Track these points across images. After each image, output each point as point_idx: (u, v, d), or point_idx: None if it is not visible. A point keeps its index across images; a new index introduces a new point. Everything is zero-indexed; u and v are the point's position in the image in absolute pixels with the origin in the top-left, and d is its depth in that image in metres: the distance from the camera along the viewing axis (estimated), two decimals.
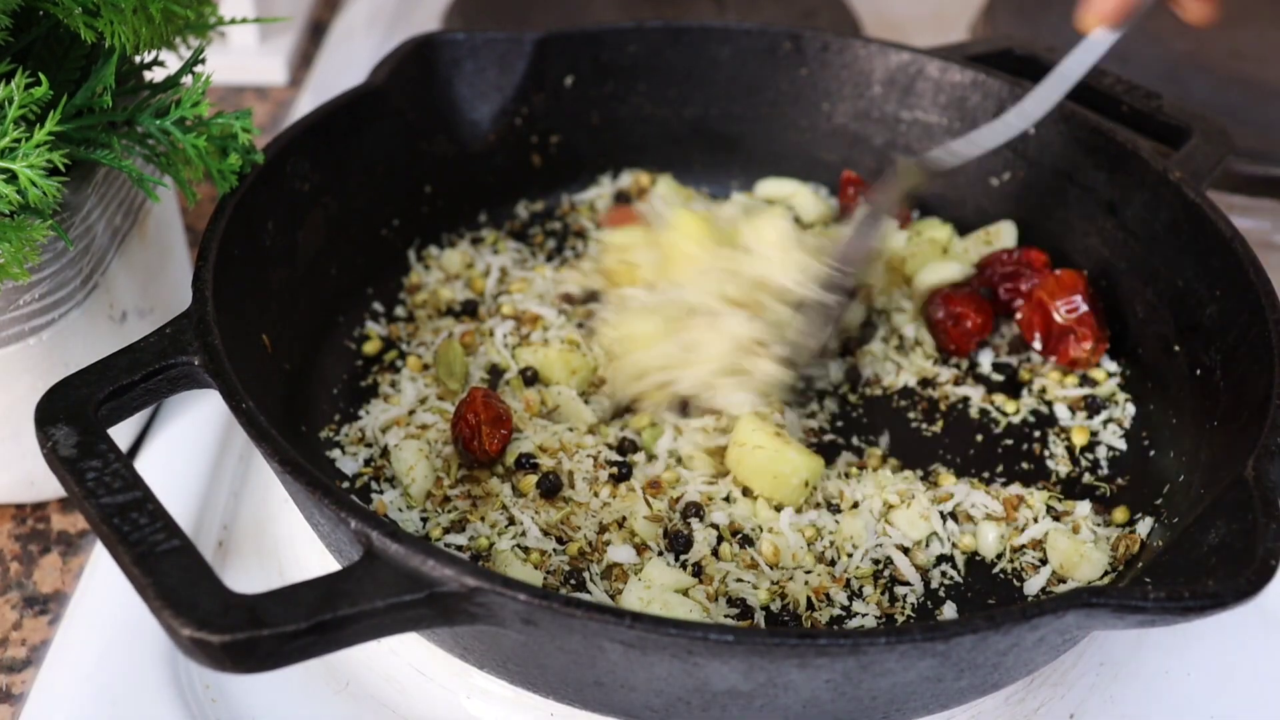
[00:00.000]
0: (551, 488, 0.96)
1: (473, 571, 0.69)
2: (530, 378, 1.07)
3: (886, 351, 1.12)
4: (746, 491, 0.98)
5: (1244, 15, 1.53)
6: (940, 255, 1.18)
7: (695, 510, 0.95)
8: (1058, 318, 1.09)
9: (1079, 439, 1.04)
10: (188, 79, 0.94)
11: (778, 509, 0.96)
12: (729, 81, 1.25)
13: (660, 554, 0.93)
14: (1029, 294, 1.12)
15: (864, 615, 0.90)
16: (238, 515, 1.01)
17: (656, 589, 0.88)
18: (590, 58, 1.22)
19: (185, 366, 0.83)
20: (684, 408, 1.02)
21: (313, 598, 0.68)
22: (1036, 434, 1.06)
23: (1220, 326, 0.97)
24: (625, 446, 1.01)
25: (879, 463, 1.02)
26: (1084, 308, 1.08)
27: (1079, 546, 0.93)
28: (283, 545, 0.98)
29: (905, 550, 0.95)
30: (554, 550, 0.92)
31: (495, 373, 1.08)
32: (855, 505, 0.97)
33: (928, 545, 0.96)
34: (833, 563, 0.94)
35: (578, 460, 0.99)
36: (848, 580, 0.93)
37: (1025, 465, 1.03)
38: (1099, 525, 0.97)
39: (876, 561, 0.94)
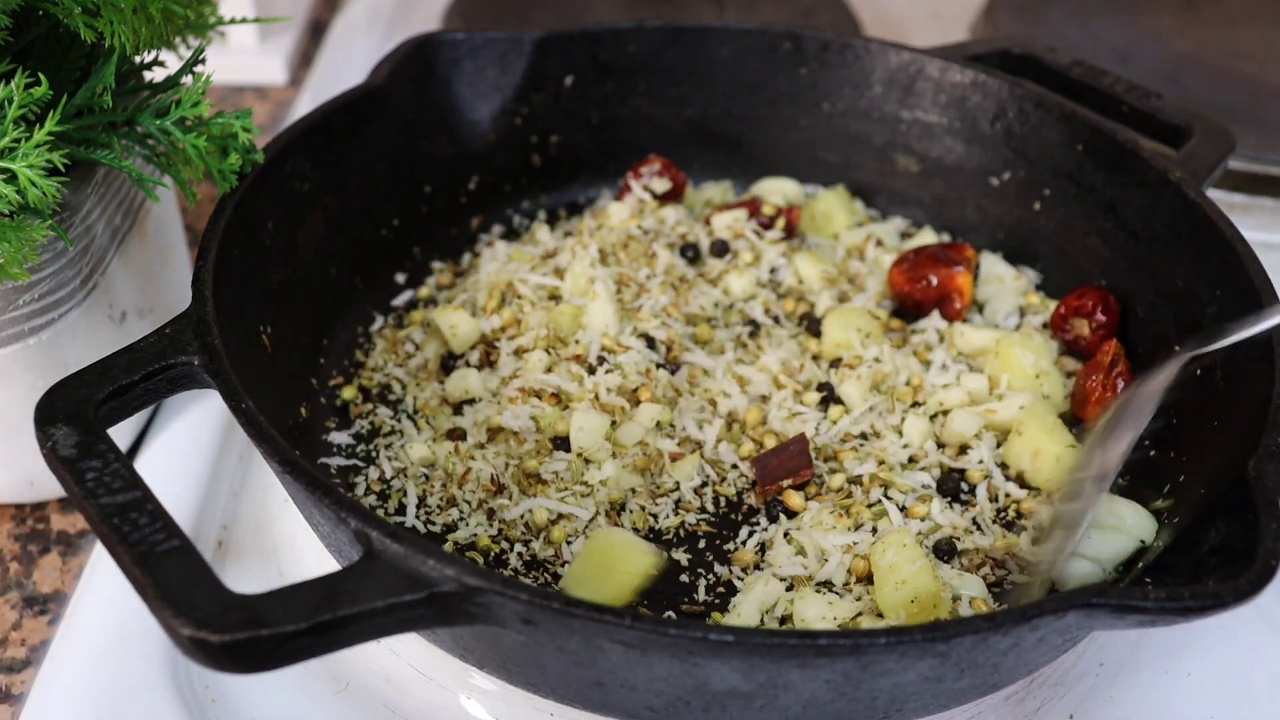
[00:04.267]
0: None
1: (473, 571, 0.69)
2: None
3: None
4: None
5: (1244, 15, 1.53)
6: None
7: None
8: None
9: None
10: (188, 79, 0.94)
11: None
12: (729, 81, 1.25)
13: None
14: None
15: None
16: (238, 515, 1.01)
17: None
18: (590, 58, 1.22)
19: (185, 366, 0.83)
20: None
21: (313, 598, 0.68)
22: None
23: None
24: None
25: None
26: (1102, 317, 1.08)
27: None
28: (283, 545, 0.98)
29: None
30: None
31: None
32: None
33: None
34: None
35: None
36: None
37: None
38: None
39: None
